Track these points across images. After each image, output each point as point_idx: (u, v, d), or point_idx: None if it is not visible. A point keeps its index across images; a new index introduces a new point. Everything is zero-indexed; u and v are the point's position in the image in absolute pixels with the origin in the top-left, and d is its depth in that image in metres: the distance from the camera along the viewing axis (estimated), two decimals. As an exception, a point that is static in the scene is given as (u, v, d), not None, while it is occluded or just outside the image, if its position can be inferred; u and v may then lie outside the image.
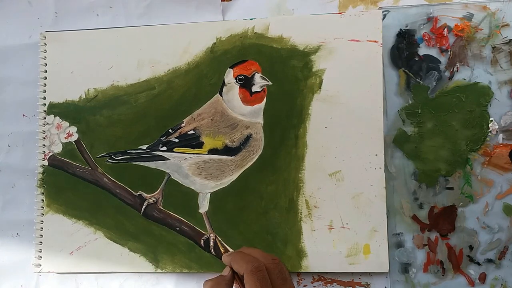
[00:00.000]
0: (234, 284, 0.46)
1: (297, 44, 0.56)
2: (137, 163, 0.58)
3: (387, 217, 0.54)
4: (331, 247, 0.55)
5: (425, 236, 0.54)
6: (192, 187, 0.57)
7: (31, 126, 0.61)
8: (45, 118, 0.60)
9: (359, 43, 0.55)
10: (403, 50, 0.56)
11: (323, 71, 0.56)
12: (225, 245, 0.56)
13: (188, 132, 0.57)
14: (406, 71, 0.56)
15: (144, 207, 0.58)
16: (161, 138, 0.58)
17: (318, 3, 0.58)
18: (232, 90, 0.57)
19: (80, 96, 0.60)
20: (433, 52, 0.55)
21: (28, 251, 0.60)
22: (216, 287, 0.44)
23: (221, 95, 0.57)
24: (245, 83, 0.56)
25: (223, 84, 0.57)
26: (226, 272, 0.45)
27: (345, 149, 0.55)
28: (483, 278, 0.53)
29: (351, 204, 0.55)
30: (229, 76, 0.57)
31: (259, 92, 0.56)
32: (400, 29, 0.56)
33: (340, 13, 0.56)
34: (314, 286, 0.56)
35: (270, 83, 0.56)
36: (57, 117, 0.60)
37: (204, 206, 0.57)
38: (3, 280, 0.61)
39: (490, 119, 0.54)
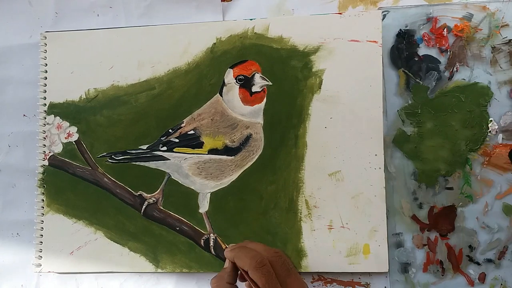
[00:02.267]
0: (238, 278, 0.47)
1: (297, 44, 0.56)
2: (137, 163, 0.58)
3: (387, 217, 0.54)
4: (331, 247, 0.55)
5: (424, 236, 0.54)
6: (192, 187, 0.57)
7: (31, 126, 0.61)
8: (45, 118, 0.60)
9: (359, 43, 0.55)
10: (403, 50, 0.56)
11: (323, 71, 0.56)
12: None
13: (188, 132, 0.57)
14: (406, 71, 0.56)
15: (144, 207, 0.58)
16: (161, 138, 0.58)
17: (318, 3, 0.58)
18: (232, 90, 0.57)
19: (81, 96, 0.60)
20: (433, 52, 0.55)
21: (28, 251, 0.60)
22: (220, 281, 0.46)
23: (221, 95, 0.57)
24: (245, 83, 0.57)
25: (223, 84, 0.57)
26: (227, 264, 0.47)
27: (345, 149, 0.55)
28: (482, 278, 0.54)
29: (351, 204, 0.55)
30: (229, 76, 0.57)
31: (259, 92, 0.56)
32: (400, 29, 0.56)
33: (340, 14, 0.56)
34: (314, 286, 0.56)
35: (270, 83, 0.56)
36: (58, 117, 0.60)
37: (204, 206, 0.57)
38: (3, 280, 0.61)
39: (490, 119, 0.54)
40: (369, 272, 0.55)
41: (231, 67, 0.57)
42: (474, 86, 0.54)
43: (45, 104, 0.60)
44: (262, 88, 0.56)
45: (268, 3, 0.58)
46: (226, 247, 0.49)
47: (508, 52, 0.54)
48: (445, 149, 0.54)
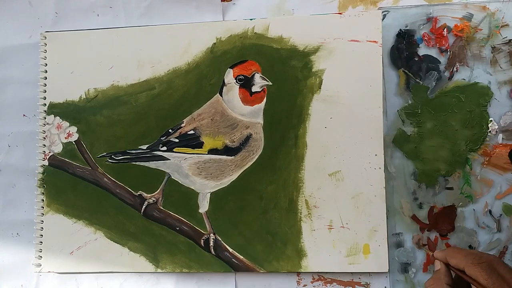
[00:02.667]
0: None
1: (297, 44, 0.56)
2: (137, 163, 0.58)
3: (387, 217, 0.54)
4: (331, 247, 0.55)
5: (424, 236, 0.55)
6: (192, 187, 0.57)
7: (31, 126, 0.61)
8: (45, 118, 0.60)
9: (359, 43, 0.55)
10: (403, 50, 0.56)
11: (323, 71, 0.56)
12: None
13: (188, 132, 0.57)
14: (406, 71, 0.56)
15: (144, 207, 0.58)
16: (161, 138, 0.58)
17: (318, 3, 0.58)
18: (232, 90, 0.57)
19: (80, 96, 0.60)
20: (433, 52, 0.55)
21: (28, 251, 0.60)
22: (437, 282, 0.45)
23: (221, 95, 0.57)
24: (245, 83, 0.57)
25: (223, 84, 0.57)
26: (439, 266, 0.46)
27: (345, 149, 0.55)
28: (482, 278, 0.54)
29: (351, 204, 0.55)
30: (229, 76, 0.57)
31: (259, 92, 0.56)
32: (400, 29, 0.56)
33: (340, 13, 0.56)
34: (314, 286, 0.56)
35: (270, 83, 0.56)
36: (57, 117, 0.60)
37: (204, 206, 0.57)
38: (3, 280, 0.61)
39: (490, 119, 0.54)
40: (369, 272, 0.55)
41: (231, 67, 0.57)
42: (474, 86, 0.54)
43: (45, 104, 0.60)
44: (262, 88, 0.56)
45: (268, 3, 0.58)
46: (433, 253, 0.48)
47: (508, 52, 0.54)
48: (445, 149, 0.54)
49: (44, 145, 0.60)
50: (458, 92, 0.54)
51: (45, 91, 0.60)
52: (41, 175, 0.60)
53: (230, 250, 0.56)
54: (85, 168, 0.59)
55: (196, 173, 0.57)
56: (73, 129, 0.60)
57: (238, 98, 0.57)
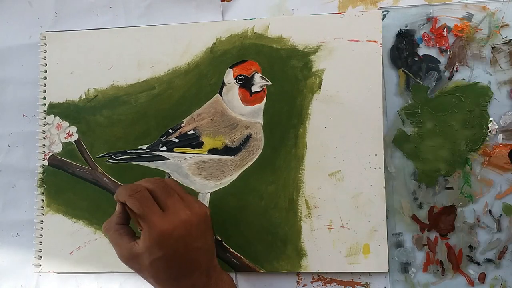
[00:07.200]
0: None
1: (296, 44, 0.56)
2: (137, 163, 0.58)
3: (387, 217, 0.54)
4: (331, 246, 0.55)
5: (424, 236, 0.54)
6: (192, 187, 0.57)
7: (31, 126, 0.61)
8: (45, 118, 0.60)
9: (359, 43, 0.55)
10: (403, 50, 0.56)
11: (323, 71, 0.56)
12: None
13: (188, 132, 0.57)
14: (406, 71, 0.56)
15: (144, 207, 0.58)
16: (161, 138, 0.58)
17: (318, 3, 0.58)
18: (232, 90, 0.57)
19: (80, 96, 0.60)
20: (433, 52, 0.55)
21: (28, 251, 0.60)
22: (109, 223, 0.48)
23: (221, 95, 0.57)
24: (245, 83, 0.57)
25: (223, 84, 0.57)
26: (118, 208, 0.48)
27: (345, 149, 0.55)
28: (482, 278, 0.54)
29: (351, 204, 0.55)
30: (229, 76, 0.57)
31: (259, 92, 0.56)
32: (400, 29, 0.56)
33: (340, 13, 0.56)
34: (313, 286, 0.56)
35: (270, 83, 0.56)
36: (57, 117, 0.60)
37: (204, 206, 0.57)
38: (3, 280, 0.61)
39: (490, 119, 0.54)
40: (369, 272, 0.55)
41: (231, 67, 0.57)
42: (474, 86, 0.54)
43: (45, 104, 0.60)
44: (262, 88, 0.56)
45: (268, 3, 0.58)
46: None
47: (508, 52, 0.54)
48: (445, 149, 0.54)
49: (44, 145, 0.60)
50: (458, 92, 0.54)
51: (45, 91, 0.60)
52: (41, 175, 0.60)
53: (230, 250, 0.56)
54: (85, 168, 0.59)
55: (196, 173, 0.57)
56: (73, 129, 0.60)
57: (238, 98, 0.57)
